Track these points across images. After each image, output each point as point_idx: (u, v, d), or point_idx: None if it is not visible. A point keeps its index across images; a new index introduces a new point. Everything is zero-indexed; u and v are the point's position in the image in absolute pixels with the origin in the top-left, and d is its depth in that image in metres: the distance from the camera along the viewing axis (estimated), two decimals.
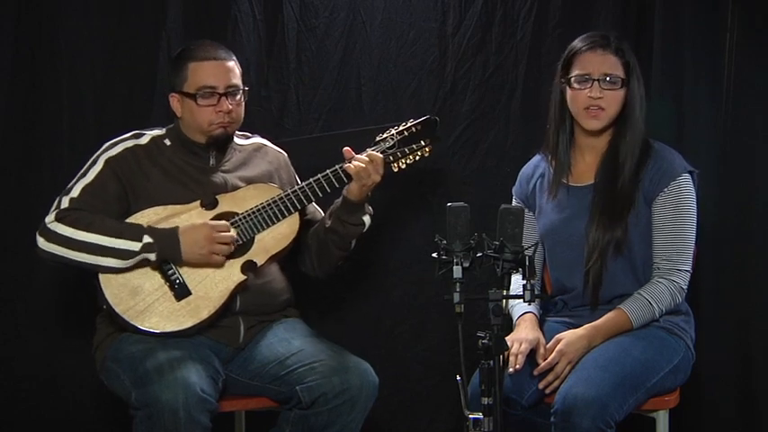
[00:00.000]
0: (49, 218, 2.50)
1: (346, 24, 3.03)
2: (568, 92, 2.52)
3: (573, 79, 2.50)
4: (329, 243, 2.66)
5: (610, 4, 2.96)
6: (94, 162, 2.56)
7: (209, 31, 2.96)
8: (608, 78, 2.47)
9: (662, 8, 2.90)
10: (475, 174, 3.03)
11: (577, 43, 2.54)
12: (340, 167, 2.57)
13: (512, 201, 2.72)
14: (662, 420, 2.48)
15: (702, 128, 2.88)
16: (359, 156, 2.58)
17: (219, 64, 2.58)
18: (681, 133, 2.87)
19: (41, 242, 2.49)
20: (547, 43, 3.00)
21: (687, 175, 2.49)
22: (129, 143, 2.59)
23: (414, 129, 2.66)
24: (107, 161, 2.56)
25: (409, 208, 3.04)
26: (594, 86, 2.47)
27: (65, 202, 2.51)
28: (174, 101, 2.62)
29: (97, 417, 2.97)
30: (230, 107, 2.57)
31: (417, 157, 2.66)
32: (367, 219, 2.67)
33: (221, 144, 2.63)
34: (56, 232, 2.47)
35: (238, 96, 2.60)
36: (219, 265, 2.51)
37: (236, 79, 2.60)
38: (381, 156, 2.59)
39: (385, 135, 2.65)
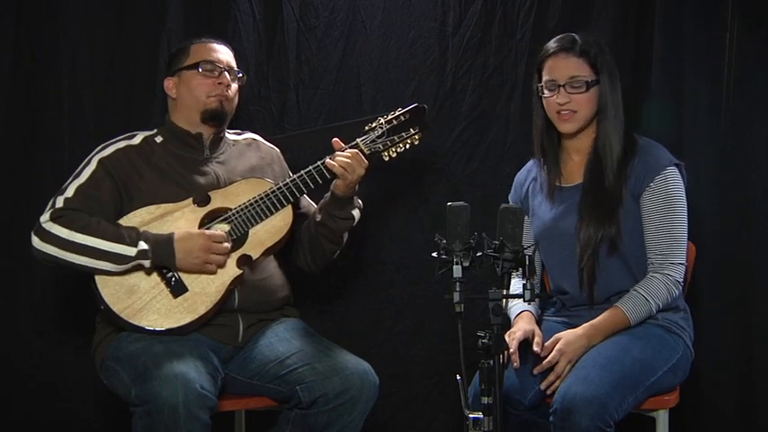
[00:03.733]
0: (44, 217, 2.50)
1: (346, 24, 3.04)
2: (543, 98, 2.55)
3: (543, 87, 2.53)
4: (320, 237, 2.67)
5: (610, 4, 2.95)
6: (88, 163, 2.58)
7: (209, 31, 2.96)
8: (574, 83, 2.49)
9: (662, 8, 2.90)
10: (475, 174, 3.03)
11: (546, 48, 2.56)
12: (322, 163, 2.59)
13: None
14: (662, 420, 2.48)
15: (702, 128, 2.88)
16: (340, 152, 2.60)
17: (221, 48, 2.70)
18: (681, 133, 2.87)
19: (36, 242, 2.49)
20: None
21: (673, 168, 2.49)
22: (122, 144, 2.62)
23: (402, 117, 2.68)
24: (100, 161, 2.57)
25: (409, 207, 3.04)
26: (561, 92, 2.50)
27: (59, 202, 2.52)
28: (170, 83, 2.68)
29: (97, 417, 2.97)
30: (228, 82, 2.65)
31: (407, 146, 2.68)
32: (356, 213, 2.69)
33: (215, 120, 2.65)
34: (51, 232, 2.48)
35: (236, 82, 2.69)
36: (213, 273, 2.52)
37: (235, 64, 2.70)
38: (365, 150, 2.61)
39: (374, 124, 2.67)
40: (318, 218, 2.66)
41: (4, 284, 2.96)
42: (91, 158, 2.59)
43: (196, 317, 2.50)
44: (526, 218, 2.65)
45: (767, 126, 2.82)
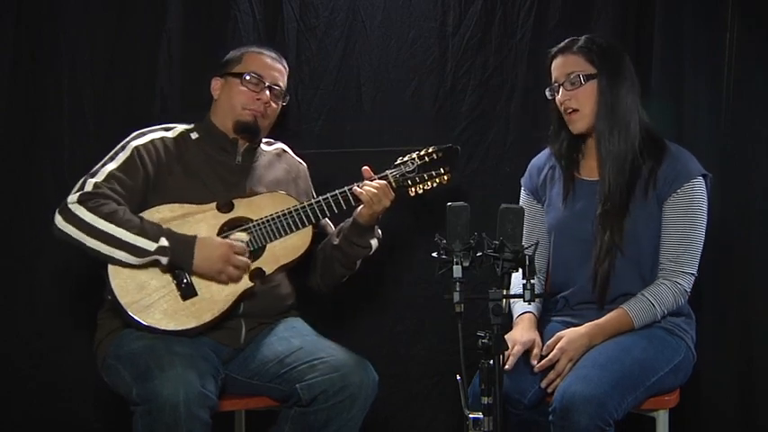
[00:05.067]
0: (72, 198, 2.49)
1: (346, 24, 3.04)
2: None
3: (551, 91, 2.56)
4: (334, 260, 2.67)
5: (610, 4, 2.96)
6: (123, 148, 2.58)
7: (208, 31, 2.97)
8: (570, 79, 2.50)
9: (662, 8, 2.90)
10: (475, 174, 3.03)
11: (549, 52, 2.58)
12: (349, 190, 2.59)
13: (520, 192, 2.71)
14: (662, 420, 2.48)
15: (702, 128, 2.88)
16: (369, 182, 2.59)
17: (274, 63, 2.70)
18: (681, 133, 2.87)
19: (59, 220, 2.48)
20: (547, 43, 2.98)
21: (701, 179, 2.49)
22: (158, 135, 2.63)
23: (435, 155, 2.68)
24: (135, 148, 2.57)
25: (409, 208, 3.03)
26: (561, 91, 2.52)
27: (89, 186, 2.51)
28: (216, 83, 2.70)
29: (97, 417, 2.97)
30: (268, 99, 2.64)
31: (435, 184, 2.69)
32: (374, 242, 2.69)
33: (246, 133, 2.64)
34: (75, 214, 2.46)
35: (279, 99, 2.68)
36: (225, 284, 2.51)
37: (283, 83, 2.70)
38: (393, 183, 2.62)
39: (405, 159, 2.67)
40: (336, 241, 2.65)
41: (4, 284, 2.96)
42: (126, 144, 2.58)
43: (200, 323, 2.49)
44: (540, 206, 2.65)
45: (767, 126, 2.82)
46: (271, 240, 2.57)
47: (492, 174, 3.02)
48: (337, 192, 2.60)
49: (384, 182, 2.61)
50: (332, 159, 2.97)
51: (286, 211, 2.58)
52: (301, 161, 2.83)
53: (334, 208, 2.60)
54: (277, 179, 2.70)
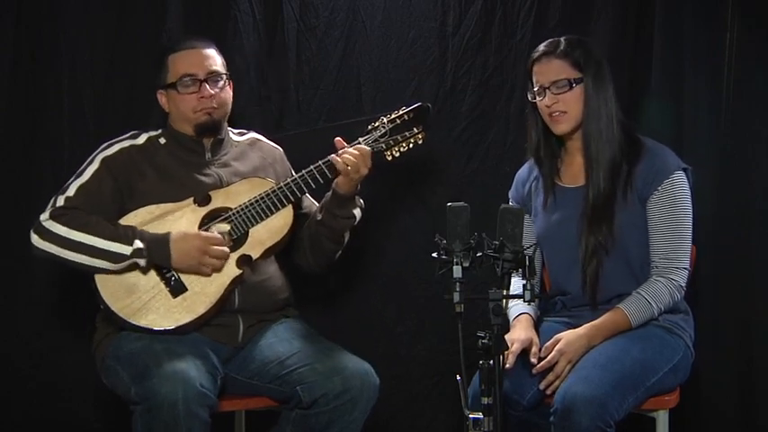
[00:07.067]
0: (44, 215, 2.52)
1: (346, 24, 3.04)
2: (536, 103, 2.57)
3: (533, 94, 2.55)
4: (321, 236, 2.67)
5: (610, 4, 2.95)
6: (91, 162, 2.59)
7: (209, 31, 2.96)
8: (558, 84, 2.50)
9: (662, 8, 2.90)
10: (475, 174, 3.03)
11: (531, 54, 2.57)
12: (323, 162, 2.58)
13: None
14: (662, 420, 2.48)
15: (702, 128, 2.88)
16: (345, 150, 2.59)
17: (197, 52, 2.62)
18: (681, 133, 2.88)
19: (35, 239, 2.51)
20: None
21: (681, 173, 2.50)
22: (126, 143, 2.62)
23: (405, 116, 2.67)
24: (103, 160, 2.58)
25: (409, 208, 3.04)
26: (547, 95, 2.51)
27: (60, 201, 2.53)
28: (162, 98, 2.67)
29: (97, 417, 2.97)
30: (212, 93, 2.60)
31: (411, 145, 2.67)
32: (357, 212, 2.69)
33: (210, 131, 2.64)
34: (50, 230, 2.49)
35: (221, 83, 2.63)
36: (208, 276, 2.51)
37: (217, 66, 2.64)
38: (368, 149, 2.60)
39: (377, 124, 2.66)
40: (319, 216, 2.65)
41: (4, 284, 2.97)
42: (94, 157, 2.59)
43: (195, 317, 2.50)
44: (528, 217, 2.65)
45: (767, 126, 2.82)
46: (253, 225, 2.57)
47: (492, 174, 3.02)
48: (312, 167, 2.59)
49: (363, 147, 2.59)
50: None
51: (264, 194, 2.57)
52: (277, 146, 2.82)
53: (312, 183, 2.59)
54: (254, 167, 2.69)
